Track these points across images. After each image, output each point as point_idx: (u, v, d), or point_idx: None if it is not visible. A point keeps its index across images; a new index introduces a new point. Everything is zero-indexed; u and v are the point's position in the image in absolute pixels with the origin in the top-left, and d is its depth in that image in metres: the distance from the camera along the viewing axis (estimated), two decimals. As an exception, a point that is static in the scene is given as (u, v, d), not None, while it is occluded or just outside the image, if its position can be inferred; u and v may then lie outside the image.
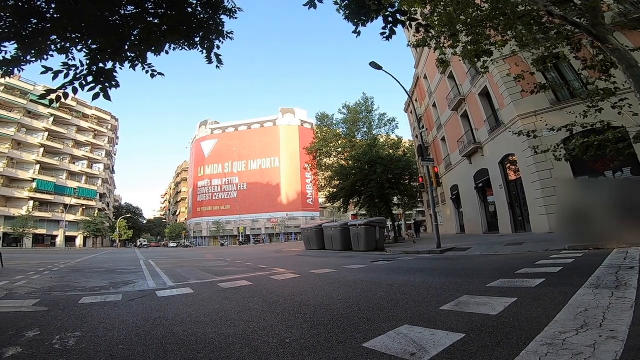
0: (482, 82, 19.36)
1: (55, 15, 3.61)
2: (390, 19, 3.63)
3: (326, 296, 4.70)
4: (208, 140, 78.91)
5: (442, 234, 15.41)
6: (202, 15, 3.91)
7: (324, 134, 30.64)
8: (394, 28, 3.70)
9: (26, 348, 2.52)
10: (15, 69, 4.03)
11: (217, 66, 4.45)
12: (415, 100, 33.47)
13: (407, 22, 3.88)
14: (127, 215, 71.19)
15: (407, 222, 38.75)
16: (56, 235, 51.82)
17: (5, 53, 3.85)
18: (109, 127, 66.47)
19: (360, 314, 3.42)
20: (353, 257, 12.21)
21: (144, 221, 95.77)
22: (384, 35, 3.72)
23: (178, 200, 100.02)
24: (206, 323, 3.36)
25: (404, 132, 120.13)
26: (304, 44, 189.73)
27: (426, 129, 31.33)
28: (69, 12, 3.42)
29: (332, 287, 5.43)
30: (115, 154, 73.63)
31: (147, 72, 4.15)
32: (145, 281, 7.16)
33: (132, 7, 3.72)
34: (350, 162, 25.17)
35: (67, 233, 52.95)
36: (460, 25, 8.82)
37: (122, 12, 3.74)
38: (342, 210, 26.64)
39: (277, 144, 72.57)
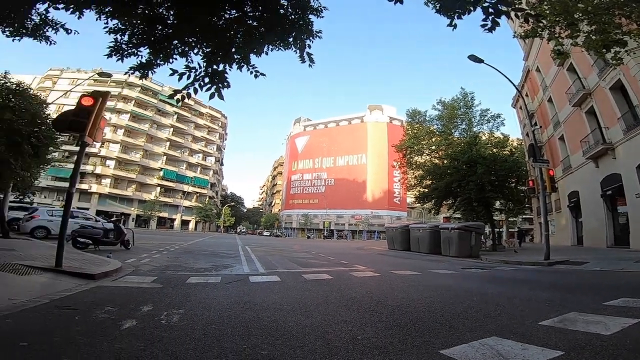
0: (614, 75, 16.34)
1: (174, 22, 4.23)
2: (491, 10, 3.28)
3: (406, 298, 4.55)
4: (301, 136, 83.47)
5: (554, 245, 13.35)
6: (293, 16, 4.13)
7: (415, 131, 29.23)
8: (497, 20, 3.35)
9: (139, 322, 2.92)
10: (149, 71, 4.77)
11: (309, 65, 4.65)
12: (526, 95, 29.46)
13: (513, 13, 3.50)
14: (232, 203, 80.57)
15: (509, 229, 34.41)
16: (174, 219, 61.71)
17: (141, 57, 4.66)
18: (220, 124, 75.90)
19: (443, 321, 3.24)
20: (441, 261, 11.61)
21: (245, 210, 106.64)
22: (486, 28, 3.42)
23: (274, 192, 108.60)
24: (287, 312, 3.56)
25: (512, 130, 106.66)
26: (392, 40, 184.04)
27: (540, 127, 27.25)
28: (185, 18, 3.98)
29: (413, 290, 5.21)
30: (224, 149, 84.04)
31: (251, 73, 4.56)
32: (241, 266, 7.98)
33: (234, 11, 4.15)
34: (445, 161, 23.49)
35: (183, 217, 62.58)
36: (580, 14, 7.56)
37: (226, 16, 4.19)
38: (433, 212, 25.10)
39: (365, 141, 72.50)
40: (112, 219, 12.54)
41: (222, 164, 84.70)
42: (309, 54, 4.49)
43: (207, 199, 68.83)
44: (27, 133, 10.41)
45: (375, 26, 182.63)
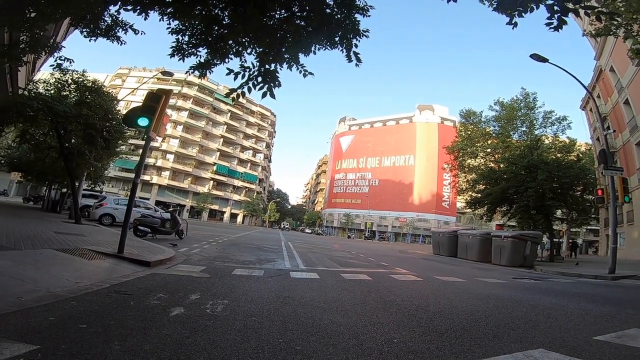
0: None
1: (229, 22, 4.46)
2: (556, 8, 3.02)
3: (449, 305, 4.39)
4: (346, 136, 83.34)
5: (622, 259, 12.06)
6: (339, 16, 4.13)
7: (469, 132, 27.79)
8: (564, 18, 3.08)
9: (187, 309, 3.10)
10: (207, 71, 5.02)
11: (356, 64, 4.62)
12: (598, 97, 26.52)
13: (583, 11, 3.20)
14: (277, 199, 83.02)
15: (570, 240, 31.31)
16: (224, 212, 65.16)
17: (200, 57, 4.91)
18: (269, 122, 78.56)
19: (486, 330, 3.12)
20: (490, 270, 11.06)
21: (289, 206, 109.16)
22: (551, 27, 3.18)
23: (317, 190, 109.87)
24: (324, 309, 3.60)
25: (580, 134, 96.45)
26: (443, 38, 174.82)
27: (614, 131, 24.36)
28: (239, 18, 4.17)
29: (457, 297, 5.00)
30: (272, 146, 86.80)
31: (300, 72, 4.65)
32: (283, 262, 8.20)
33: (283, 11, 4.26)
34: (502, 166, 22.04)
35: (232, 211, 65.87)
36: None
37: (277, 16, 4.33)
38: (485, 218, 23.66)
39: (413, 141, 70.27)
40: (170, 210, 13.50)
41: (270, 161, 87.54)
42: (355, 54, 4.47)
43: (255, 194, 71.65)
44: (101, 127, 11.63)
45: (426, 25, 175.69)
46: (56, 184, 19.92)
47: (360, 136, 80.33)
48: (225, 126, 66.37)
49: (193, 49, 4.93)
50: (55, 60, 6.56)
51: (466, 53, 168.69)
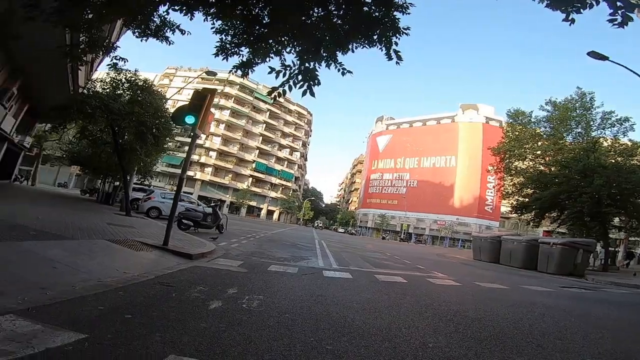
0: None
1: (269, 22, 4.57)
2: (620, 3, 2.77)
3: (489, 312, 4.20)
4: (383, 135, 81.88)
5: None
6: (377, 14, 4.07)
7: (517, 133, 26.10)
8: (629, 14, 2.82)
9: (224, 303, 3.22)
10: (249, 70, 5.13)
11: (397, 62, 4.51)
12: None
13: None
14: (312, 198, 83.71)
15: (627, 249, 28.40)
16: (261, 209, 66.93)
17: (242, 57, 5.00)
18: (306, 121, 79.48)
19: (529, 339, 3.00)
20: (535, 277, 10.58)
21: (323, 205, 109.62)
22: (615, 23, 2.96)
23: (352, 190, 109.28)
24: (356, 310, 3.58)
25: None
26: (490, 35, 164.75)
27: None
28: (278, 16, 4.26)
29: (499, 304, 4.77)
30: (308, 145, 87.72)
31: (338, 70, 4.65)
32: (316, 260, 8.28)
33: (320, 9, 4.28)
34: (553, 169, 20.52)
35: (269, 207, 67.51)
36: None
37: (314, 14, 4.36)
38: (532, 224, 22.19)
39: (455, 142, 67.35)
40: (212, 204, 14.07)
41: (305, 159, 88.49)
42: (395, 52, 4.38)
43: (291, 192, 72.88)
44: (151, 124, 12.44)
45: (470, 24, 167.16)
46: (109, 177, 21.52)
47: (398, 136, 78.58)
48: (264, 125, 68.13)
49: (235, 49, 5.10)
50: (112, 60, 7.08)
51: (513, 52, 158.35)
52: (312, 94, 4.35)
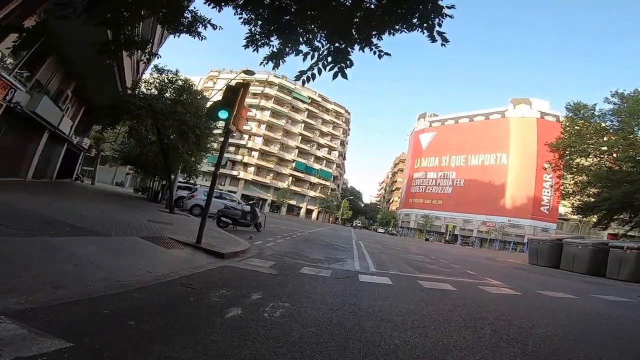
0: None
1: (296, 9, 4.23)
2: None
3: (561, 328, 3.53)
4: (426, 133, 78.71)
5: None
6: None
7: (578, 127, 23.57)
8: None
9: (244, 311, 2.88)
10: (281, 60, 4.85)
11: (442, 44, 3.98)
12: None
13: None
14: (350, 197, 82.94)
15: None
16: (301, 208, 67.47)
17: (273, 47, 4.75)
18: (343, 119, 78.91)
19: None
20: (606, 285, 9.43)
21: (362, 205, 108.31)
22: None
23: (393, 189, 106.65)
24: (396, 324, 3.07)
25: None
26: (540, 25, 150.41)
27: None
28: (306, 5, 3.88)
29: (571, 319, 4.04)
30: (347, 143, 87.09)
31: (374, 53, 4.22)
32: (352, 262, 7.78)
33: None
34: (624, 166, 18.12)
35: (308, 207, 67.85)
36: None
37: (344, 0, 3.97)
38: (599, 226, 19.83)
39: (506, 138, 62.64)
40: (250, 202, 14.13)
41: (344, 159, 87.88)
42: (440, 33, 3.85)
43: (329, 191, 72.74)
44: (192, 124, 12.72)
45: (519, 11, 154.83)
46: (157, 176, 22.66)
47: (442, 133, 75.04)
48: (303, 124, 68.66)
49: (265, 39, 4.87)
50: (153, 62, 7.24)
51: (567, 43, 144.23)
52: (345, 76, 3.96)
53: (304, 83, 4.27)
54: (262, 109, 64.15)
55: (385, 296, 4.37)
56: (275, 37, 4.82)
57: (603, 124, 22.69)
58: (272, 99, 65.36)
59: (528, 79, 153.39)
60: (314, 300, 3.67)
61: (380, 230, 68.58)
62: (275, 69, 5.28)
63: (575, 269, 13.27)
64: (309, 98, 70.08)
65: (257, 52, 4.91)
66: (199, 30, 5.78)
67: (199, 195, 17.09)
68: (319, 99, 72.65)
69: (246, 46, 4.93)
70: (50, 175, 18.60)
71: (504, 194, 59.74)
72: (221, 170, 59.40)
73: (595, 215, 19.33)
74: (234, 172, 60.27)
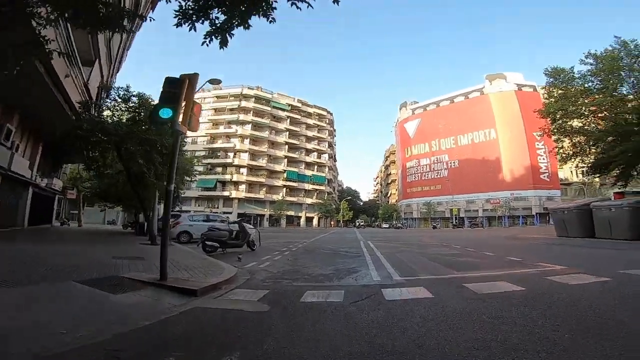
0: None
1: None
2: None
3: None
4: (411, 121, 77.62)
5: None
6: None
7: (562, 91, 22.85)
8: None
9: None
10: (228, 35, 4.34)
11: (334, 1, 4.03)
12: None
13: None
14: (348, 197, 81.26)
15: None
16: (300, 217, 65.48)
17: (217, 20, 4.23)
18: (327, 121, 77.63)
19: None
20: None
21: (361, 203, 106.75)
22: None
23: (389, 182, 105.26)
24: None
25: None
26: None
27: None
28: None
29: None
30: (335, 145, 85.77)
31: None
32: (368, 271, 6.13)
33: None
34: (629, 117, 17.15)
35: (307, 214, 65.91)
36: None
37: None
38: (618, 184, 18.69)
39: (490, 114, 61.81)
40: (236, 220, 12.54)
41: (335, 160, 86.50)
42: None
43: (326, 195, 71.03)
44: (155, 142, 11.02)
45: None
46: (133, 208, 20.82)
47: (426, 118, 74.13)
48: (287, 132, 67.01)
49: (201, 13, 4.21)
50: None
51: (534, 14, 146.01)
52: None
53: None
54: (242, 123, 62.40)
55: (430, 319, 2.82)
56: (216, 6, 4.18)
57: (585, 85, 22.05)
58: (251, 112, 63.61)
59: (499, 53, 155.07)
60: (323, 353, 2.12)
61: (384, 225, 66.91)
62: (223, 47, 4.40)
63: (616, 236, 11.58)
64: (288, 105, 68.74)
65: (195, 29, 4.33)
66: (124, 24, 4.80)
67: (183, 222, 15.41)
68: (299, 105, 71.37)
69: (178, 24, 4.27)
70: (21, 222, 16.87)
71: (500, 168, 58.63)
72: (213, 193, 58.36)
73: (612, 172, 18.16)
74: (226, 193, 58.23)
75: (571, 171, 55.90)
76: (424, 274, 5.46)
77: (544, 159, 54.81)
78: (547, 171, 54.60)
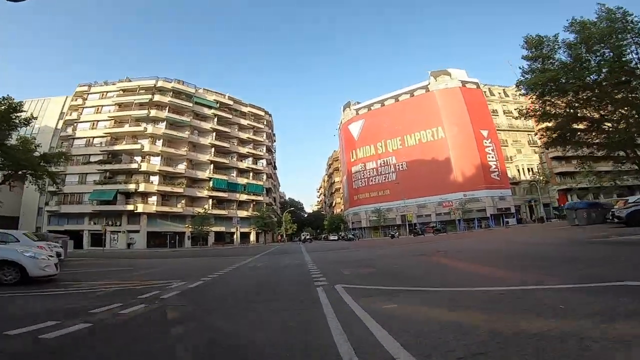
0: None
1: None
2: None
3: None
4: (355, 122, 75.25)
5: None
6: None
7: (547, 66, 20.89)
8: None
9: None
10: None
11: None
12: None
13: None
14: (291, 209, 75.81)
15: None
16: (233, 232, 57.56)
17: None
18: (265, 122, 71.81)
19: None
20: None
21: (305, 215, 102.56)
22: None
23: (333, 191, 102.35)
24: None
25: None
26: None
27: None
28: None
29: None
30: (274, 151, 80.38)
31: None
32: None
33: None
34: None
35: (241, 229, 57.87)
36: None
37: None
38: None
39: (436, 111, 61.76)
40: None
41: (275, 167, 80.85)
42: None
43: (265, 206, 64.54)
44: None
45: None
46: None
47: (371, 119, 72.41)
48: (214, 133, 59.21)
49: None
50: None
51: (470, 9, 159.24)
52: None
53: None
54: (155, 120, 53.07)
55: None
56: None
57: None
58: (167, 108, 54.62)
59: (442, 50, 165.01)
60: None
61: (331, 237, 62.49)
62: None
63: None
64: (217, 102, 61.31)
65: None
66: None
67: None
68: (230, 102, 64.35)
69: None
70: None
71: (451, 169, 58.33)
72: (114, 207, 48.23)
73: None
74: (130, 207, 48.41)
75: (518, 170, 57.87)
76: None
77: (492, 157, 55.72)
78: (497, 170, 55.45)
